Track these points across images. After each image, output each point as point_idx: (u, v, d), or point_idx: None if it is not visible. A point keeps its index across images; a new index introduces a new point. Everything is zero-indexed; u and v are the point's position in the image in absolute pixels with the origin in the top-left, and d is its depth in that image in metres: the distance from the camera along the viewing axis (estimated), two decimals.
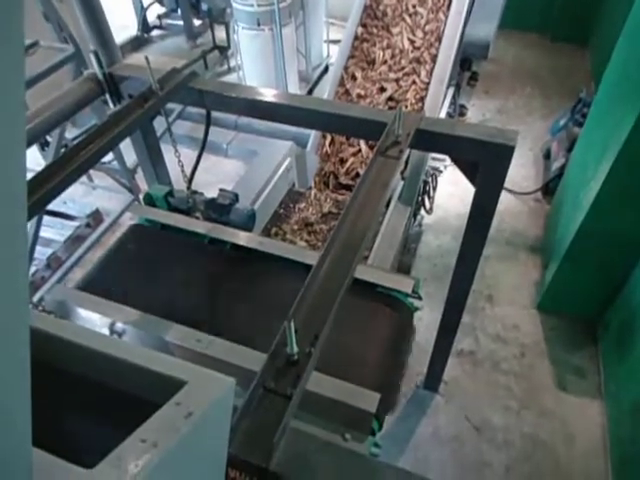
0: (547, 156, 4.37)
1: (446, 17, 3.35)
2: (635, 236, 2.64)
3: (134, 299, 1.60)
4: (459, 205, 3.93)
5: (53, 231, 3.57)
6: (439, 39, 3.31)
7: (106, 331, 1.54)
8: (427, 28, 3.37)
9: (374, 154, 1.47)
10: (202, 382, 0.61)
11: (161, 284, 1.74)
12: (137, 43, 6.28)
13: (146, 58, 1.68)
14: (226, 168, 4.48)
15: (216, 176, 4.18)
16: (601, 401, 2.85)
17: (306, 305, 1.08)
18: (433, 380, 2.88)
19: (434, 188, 3.46)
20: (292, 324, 0.91)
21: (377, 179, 1.41)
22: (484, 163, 1.61)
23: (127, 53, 5.98)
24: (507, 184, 4.16)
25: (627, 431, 2.51)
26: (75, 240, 3.55)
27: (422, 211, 3.49)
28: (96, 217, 3.72)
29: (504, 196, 4.12)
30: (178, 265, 1.82)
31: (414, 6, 3.46)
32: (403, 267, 3.36)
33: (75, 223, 3.64)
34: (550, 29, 6.25)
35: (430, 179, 3.39)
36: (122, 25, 6.37)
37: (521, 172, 4.39)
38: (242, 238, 1.86)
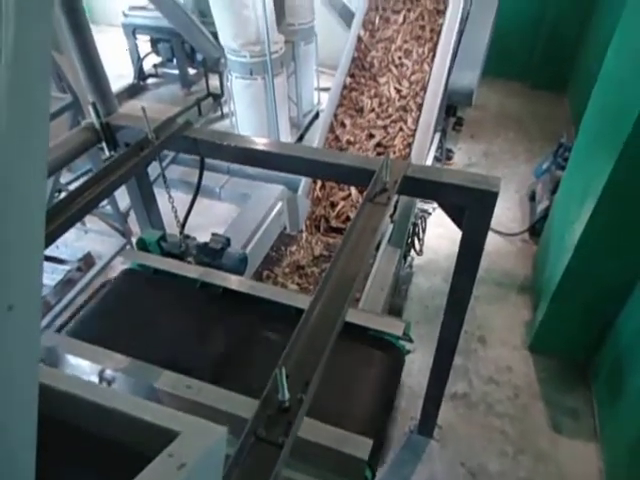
0: (532, 198, 4.49)
1: (430, 68, 3.52)
2: (620, 277, 2.69)
3: (125, 345, 1.59)
4: (448, 246, 3.99)
5: (44, 275, 3.55)
6: (424, 88, 3.46)
7: (95, 379, 1.53)
8: (412, 78, 3.53)
9: (363, 201, 1.52)
10: (195, 432, 0.61)
11: (152, 330, 1.74)
12: (133, 90, 6.46)
13: (143, 109, 1.75)
14: (219, 211, 4.53)
15: (209, 219, 4.22)
16: (597, 443, 2.81)
17: (297, 350, 1.09)
18: (427, 425, 2.83)
19: (423, 230, 3.52)
20: (283, 370, 0.92)
21: (366, 225, 1.45)
22: (470, 208, 1.67)
23: (123, 100, 6.14)
24: (495, 225, 4.26)
25: (624, 474, 2.47)
26: (65, 284, 3.53)
27: (412, 253, 3.54)
28: (87, 261, 3.72)
29: (492, 237, 4.22)
30: (169, 310, 1.82)
31: (400, 58, 3.63)
32: (394, 309, 3.36)
33: (66, 267, 3.63)
34: (530, 77, 6.56)
35: (419, 221, 3.45)
36: (119, 74, 6.57)
37: (508, 214, 4.49)
38: (234, 282, 1.87)
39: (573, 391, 3.08)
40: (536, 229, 4.11)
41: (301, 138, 5.53)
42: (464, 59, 4.44)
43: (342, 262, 1.36)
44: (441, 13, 3.72)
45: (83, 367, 1.56)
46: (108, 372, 1.53)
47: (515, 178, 4.90)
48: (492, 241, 4.13)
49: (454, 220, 1.79)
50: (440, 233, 4.15)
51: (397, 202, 2.81)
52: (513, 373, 3.22)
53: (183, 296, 1.88)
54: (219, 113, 6.08)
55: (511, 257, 4.05)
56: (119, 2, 6.79)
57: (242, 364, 1.60)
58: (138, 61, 6.35)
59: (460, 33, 4.38)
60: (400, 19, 3.75)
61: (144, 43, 6.29)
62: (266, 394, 0.98)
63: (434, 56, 3.54)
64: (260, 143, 1.84)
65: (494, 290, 3.76)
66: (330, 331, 1.18)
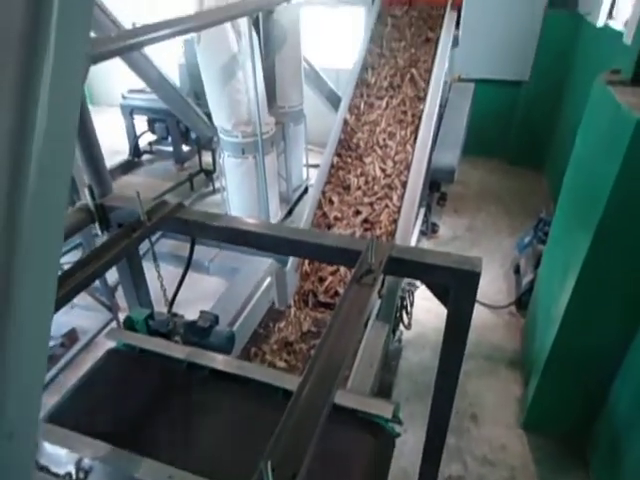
0: (517, 271, 4.58)
1: (413, 149, 3.71)
2: (608, 350, 2.70)
3: (105, 431, 1.54)
4: (436, 320, 4.00)
5: None
6: (408, 167, 3.63)
7: (72, 468, 1.46)
8: (397, 158, 3.71)
9: (349, 282, 1.55)
10: None
11: (135, 414, 1.69)
12: (128, 166, 6.67)
13: (137, 193, 1.81)
14: (208, 285, 4.54)
15: (197, 293, 4.21)
16: None
17: (284, 440, 1.08)
18: None
19: (411, 304, 3.54)
20: (269, 465, 0.90)
21: (353, 307, 1.48)
22: (453, 288, 1.71)
23: (118, 176, 6.32)
24: (482, 298, 4.29)
25: None
26: (48, 361, 3.43)
27: (401, 327, 3.53)
28: (71, 336, 3.65)
29: (480, 310, 4.25)
30: (154, 393, 1.78)
31: (384, 139, 3.84)
32: (384, 385, 3.30)
33: (50, 343, 3.55)
34: (509, 155, 6.94)
35: (407, 295, 3.48)
36: (115, 150, 6.81)
37: (494, 287, 4.55)
38: (221, 363, 1.85)
39: (570, 472, 2.98)
40: (522, 302, 4.16)
41: (290, 212, 5.67)
42: (445, 140, 4.72)
43: (329, 345, 1.37)
44: (421, 100, 3.98)
45: (59, 456, 1.49)
46: (86, 461, 1.47)
47: (499, 251, 5.02)
48: (479, 314, 4.15)
49: (439, 299, 1.82)
50: (428, 306, 4.16)
51: (384, 277, 2.85)
52: (508, 453, 3.11)
53: (169, 378, 1.85)
54: (211, 188, 6.25)
55: (499, 330, 4.06)
56: (119, 85, 7.18)
57: (228, 452, 1.55)
58: (134, 139, 6.62)
59: (440, 117, 4.69)
60: (384, 104, 4.01)
61: (141, 122, 6.59)
62: None
63: (416, 138, 3.75)
64: (249, 224, 1.90)
65: (484, 365, 3.72)
66: (318, 417, 1.17)
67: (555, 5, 6.18)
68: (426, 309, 4.15)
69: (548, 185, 6.28)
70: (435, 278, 1.73)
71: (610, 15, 4.99)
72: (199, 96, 5.70)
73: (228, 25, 4.02)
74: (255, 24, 4.56)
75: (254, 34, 4.26)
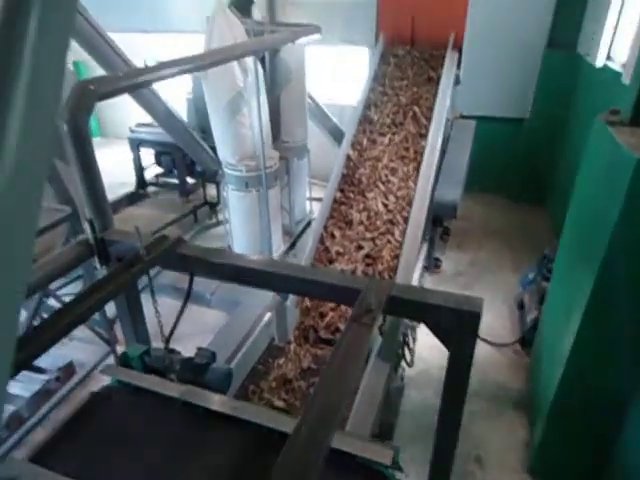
0: (521, 307, 4.52)
1: (415, 185, 3.74)
2: (615, 392, 2.63)
3: (95, 474, 1.49)
4: (440, 357, 3.90)
5: (20, 386, 3.40)
6: (410, 203, 3.64)
7: None
8: (399, 194, 3.73)
9: (348, 322, 1.53)
10: None
11: (126, 456, 1.64)
12: (133, 198, 6.74)
13: (136, 228, 1.82)
14: (208, 318, 4.49)
15: (197, 327, 4.16)
16: None
17: None
18: None
19: (414, 340, 3.49)
20: None
21: (352, 347, 1.45)
22: (454, 328, 1.68)
23: (123, 207, 6.37)
24: (486, 335, 4.23)
25: None
26: (42, 395, 3.37)
27: (403, 364, 3.47)
28: (68, 370, 3.59)
29: (483, 347, 4.17)
30: (146, 434, 1.73)
31: (386, 175, 3.87)
32: (385, 426, 3.21)
33: (45, 377, 3.49)
34: (511, 191, 6.97)
35: (409, 331, 3.43)
36: (122, 182, 6.90)
37: (497, 323, 4.48)
38: (216, 402, 1.80)
39: None
40: (527, 340, 4.08)
41: (293, 245, 5.67)
42: (447, 176, 4.75)
43: (327, 387, 1.33)
44: (424, 137, 4.04)
45: None
46: None
47: (502, 287, 4.98)
48: (483, 351, 4.07)
49: (440, 340, 1.79)
50: (431, 343, 4.07)
51: (385, 315, 2.81)
52: None
53: (162, 417, 1.80)
54: (214, 220, 6.29)
55: (504, 369, 3.97)
56: (128, 118, 7.34)
57: None
58: (140, 171, 6.71)
59: (442, 153, 4.74)
60: (386, 141, 4.06)
61: (147, 154, 6.70)
62: None
63: (418, 174, 3.78)
64: (248, 261, 1.90)
65: (489, 405, 3.62)
66: (315, 461, 1.12)
67: (553, 45, 6.34)
68: (429, 345, 4.07)
69: (551, 221, 6.28)
70: (435, 319, 1.70)
71: (608, 56, 5.10)
72: (205, 130, 5.80)
73: (235, 62, 4.12)
74: (261, 61, 4.69)
75: (260, 70, 4.38)
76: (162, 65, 2.45)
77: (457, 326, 1.67)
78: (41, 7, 0.41)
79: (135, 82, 2.24)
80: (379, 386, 2.60)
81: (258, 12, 5.14)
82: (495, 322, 4.45)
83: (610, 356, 2.59)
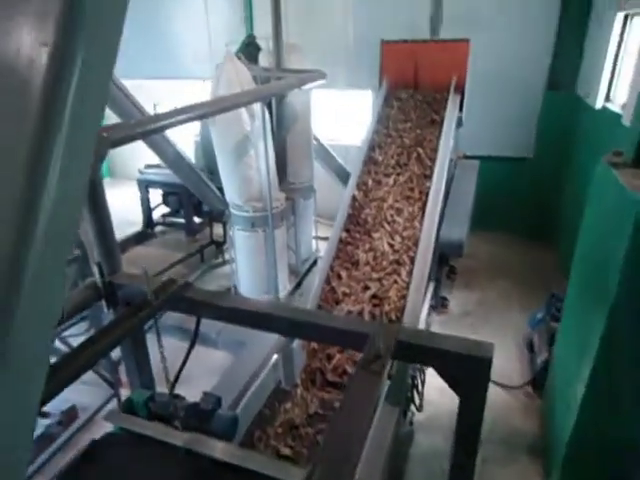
0: (530, 348, 4.44)
1: (421, 225, 3.75)
2: (632, 438, 2.54)
3: None
4: (450, 401, 3.80)
5: None
6: (416, 243, 3.65)
7: None
8: (405, 234, 3.74)
9: (356, 369, 1.51)
10: None
11: None
12: (141, 237, 6.80)
13: (145, 272, 1.83)
14: (213, 359, 4.44)
15: (203, 368, 4.10)
16: None
17: None
18: None
19: (422, 383, 3.42)
20: None
21: (361, 395, 1.42)
22: (464, 374, 1.65)
23: (131, 246, 6.43)
24: (496, 377, 4.14)
25: None
26: (44, 440, 3.30)
27: (412, 408, 3.39)
28: (70, 414, 3.53)
29: (494, 390, 4.07)
30: None
31: (392, 215, 3.90)
32: (395, 473, 3.11)
33: (47, 421, 3.43)
34: (517, 229, 6.98)
35: (417, 374, 3.37)
36: (130, 221, 6.98)
37: (507, 365, 4.40)
38: (221, 451, 1.76)
39: None
40: (538, 382, 3.99)
41: (299, 284, 5.66)
42: (452, 215, 4.78)
43: (337, 437, 1.30)
44: (428, 177, 4.09)
45: None
46: None
47: (511, 327, 4.91)
48: (494, 394, 3.97)
49: (450, 385, 1.76)
50: (441, 385, 3.98)
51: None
52: None
53: (166, 467, 1.76)
54: (221, 259, 6.31)
55: (516, 412, 3.86)
56: (136, 159, 7.51)
57: None
58: (148, 211, 6.80)
59: (447, 193, 4.78)
60: (391, 182, 4.12)
61: (155, 194, 6.81)
62: None
63: (424, 214, 3.80)
64: (255, 305, 1.89)
65: (502, 450, 3.51)
66: None
67: (553, 87, 6.49)
68: (439, 388, 3.98)
69: (558, 258, 6.25)
70: (445, 364, 1.68)
71: (607, 97, 5.21)
72: (212, 171, 5.92)
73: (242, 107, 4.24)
74: (268, 105, 4.82)
75: (267, 115, 4.50)
76: (173, 112, 2.53)
77: (467, 372, 1.64)
78: (79, 78, 0.44)
79: (147, 129, 2.31)
80: (388, 431, 2.54)
81: (265, 59, 5.33)
82: (505, 363, 4.36)
83: (624, 401, 2.52)
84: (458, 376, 1.66)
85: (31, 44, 0.41)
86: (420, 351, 1.67)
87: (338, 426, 1.34)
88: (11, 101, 0.43)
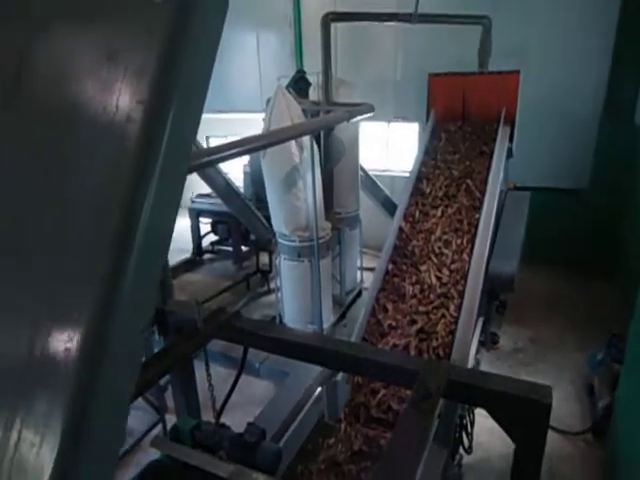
0: (590, 391, 4.16)
1: (470, 258, 3.66)
2: None
3: None
4: (501, 443, 3.62)
5: None
6: (465, 277, 3.56)
7: None
8: (453, 267, 3.66)
9: (406, 407, 1.46)
10: None
11: None
12: (190, 264, 7.01)
13: (196, 301, 1.87)
14: (255, 389, 4.44)
15: (246, 397, 4.12)
16: None
17: None
18: None
19: (472, 423, 3.26)
20: None
21: (409, 436, 1.38)
22: (520, 419, 1.56)
23: (181, 273, 6.63)
24: (551, 421, 3.89)
25: None
26: None
27: (461, 449, 3.22)
28: None
29: (550, 436, 3.80)
30: None
31: (439, 247, 3.83)
32: None
33: None
34: (571, 262, 6.66)
35: (467, 413, 3.22)
36: (180, 248, 7.22)
37: (565, 408, 4.13)
38: None
39: None
40: (599, 429, 3.71)
41: (343, 315, 5.61)
42: (502, 248, 4.62)
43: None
44: (477, 209, 4.01)
45: None
46: None
47: (567, 367, 4.63)
48: (550, 440, 3.71)
49: (504, 429, 1.67)
50: (491, 425, 3.78)
51: None
52: None
53: None
54: (266, 288, 6.37)
55: (574, 461, 3.60)
56: (188, 189, 7.80)
57: None
58: (198, 239, 7.01)
59: (496, 225, 4.66)
60: (439, 213, 4.06)
61: (205, 223, 7.03)
62: None
63: (473, 247, 3.71)
64: (303, 337, 1.89)
65: None
66: None
67: (610, 116, 6.27)
68: (489, 429, 3.77)
69: (618, 294, 5.89)
70: (499, 407, 1.60)
71: None
72: (260, 200, 6.06)
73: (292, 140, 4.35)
74: (316, 137, 4.92)
75: (315, 147, 4.58)
76: (227, 146, 2.63)
77: (524, 417, 1.56)
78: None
79: (202, 162, 2.41)
80: (436, 474, 2.42)
81: (314, 93, 5.48)
82: (562, 406, 4.10)
83: None
84: (513, 420, 1.58)
85: (129, 102, 0.44)
86: (472, 392, 1.60)
87: (386, 467, 1.29)
88: (111, 150, 0.46)
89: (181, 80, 0.46)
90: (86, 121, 0.48)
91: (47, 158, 0.49)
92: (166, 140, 0.44)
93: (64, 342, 0.47)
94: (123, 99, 0.46)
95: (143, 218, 0.47)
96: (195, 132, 0.55)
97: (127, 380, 0.55)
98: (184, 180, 0.53)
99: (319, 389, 3.05)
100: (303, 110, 4.53)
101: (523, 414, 1.54)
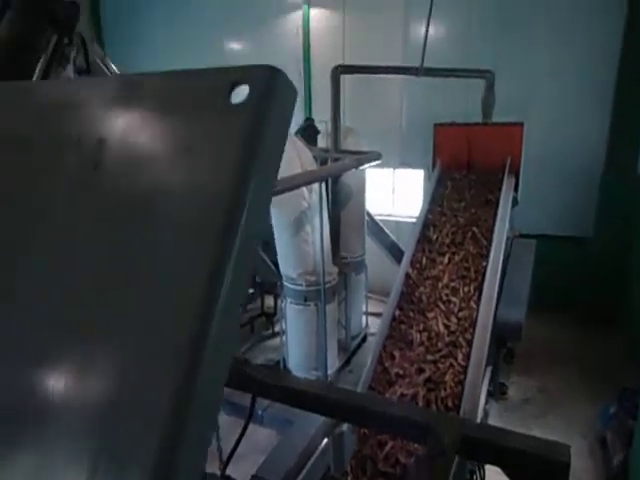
0: (603, 446, 4.03)
1: (478, 305, 3.65)
2: None
3: None
4: None
5: None
6: (472, 325, 3.53)
7: None
8: (460, 315, 3.64)
9: (417, 462, 1.43)
10: None
11: None
12: None
13: None
14: (258, 436, 4.31)
15: (248, 446, 3.94)
16: None
17: None
18: None
19: (482, 479, 3.15)
20: None
21: None
22: (536, 478, 1.52)
23: None
24: None
25: None
26: None
27: None
28: None
29: None
30: None
31: (447, 295, 3.82)
32: None
33: None
34: (578, 310, 6.59)
35: (477, 469, 3.11)
36: None
37: (578, 462, 3.99)
38: None
39: None
40: None
41: (348, 361, 5.54)
42: (510, 296, 4.60)
43: None
44: (484, 257, 4.03)
45: None
46: None
47: (578, 419, 4.51)
48: None
49: None
50: None
51: None
52: None
53: None
54: (270, 331, 6.32)
55: None
56: None
57: None
58: None
59: (503, 272, 4.66)
60: (446, 260, 4.08)
61: None
62: None
63: (480, 294, 3.70)
64: (316, 387, 1.87)
65: None
66: None
67: (612, 167, 6.38)
68: None
69: (624, 344, 5.80)
70: (515, 465, 1.55)
71: None
72: (267, 243, 6.09)
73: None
74: (325, 183, 5.02)
75: (324, 193, 4.67)
76: None
77: (540, 476, 1.51)
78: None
79: None
80: None
81: (322, 140, 5.63)
82: (575, 461, 3.93)
83: None
84: (529, 479, 1.53)
85: (207, 191, 0.47)
86: (488, 449, 1.56)
87: None
88: (189, 239, 0.48)
89: (256, 170, 0.49)
90: (164, 209, 0.50)
91: (124, 252, 0.51)
92: (240, 232, 0.47)
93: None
94: (200, 189, 0.49)
95: (217, 315, 0.48)
96: (267, 214, 0.57)
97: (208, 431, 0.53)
98: (252, 268, 0.55)
99: (325, 440, 2.97)
100: (312, 157, 4.65)
101: (542, 474, 1.49)
